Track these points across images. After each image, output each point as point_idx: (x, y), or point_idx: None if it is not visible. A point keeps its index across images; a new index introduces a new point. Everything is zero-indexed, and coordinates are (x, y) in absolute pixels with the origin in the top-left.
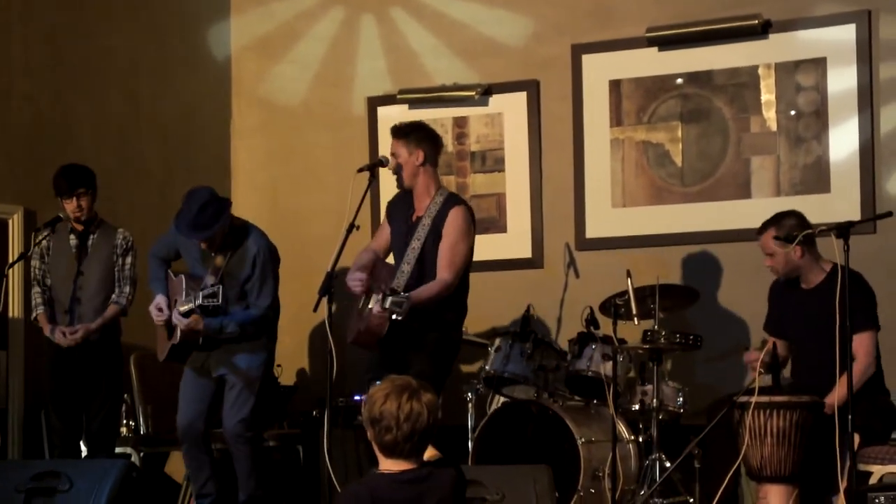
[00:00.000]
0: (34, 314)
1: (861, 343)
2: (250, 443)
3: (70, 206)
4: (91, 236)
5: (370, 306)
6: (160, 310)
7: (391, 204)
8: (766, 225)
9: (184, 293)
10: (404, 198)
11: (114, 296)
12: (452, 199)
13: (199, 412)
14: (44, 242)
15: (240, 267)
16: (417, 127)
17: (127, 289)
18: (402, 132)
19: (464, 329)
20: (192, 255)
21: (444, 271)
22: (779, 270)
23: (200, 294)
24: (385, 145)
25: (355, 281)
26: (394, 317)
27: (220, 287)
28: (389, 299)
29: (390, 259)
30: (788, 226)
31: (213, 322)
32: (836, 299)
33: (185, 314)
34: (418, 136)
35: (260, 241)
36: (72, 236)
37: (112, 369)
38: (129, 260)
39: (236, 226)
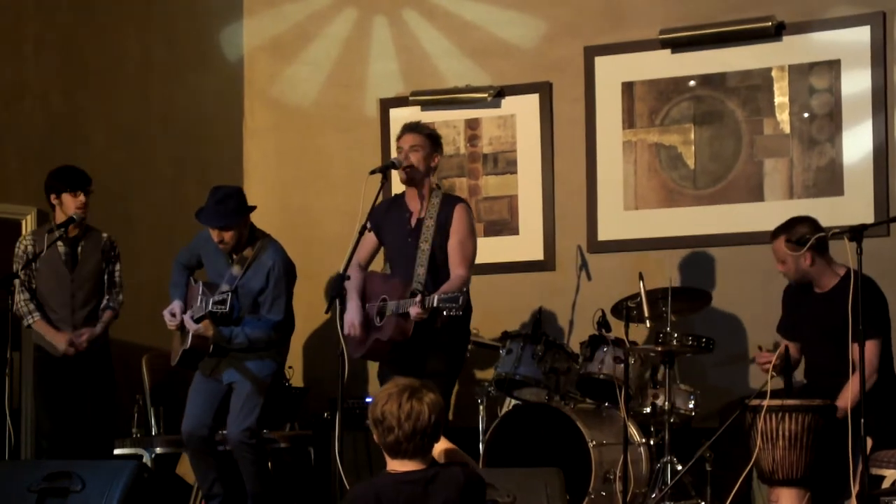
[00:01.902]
0: (29, 321)
1: (866, 350)
2: (254, 450)
3: (76, 201)
4: (81, 242)
5: (393, 312)
6: (173, 315)
7: (378, 213)
8: (779, 231)
9: (199, 299)
10: (392, 204)
11: (107, 301)
12: (452, 198)
13: (203, 418)
14: (30, 248)
15: (255, 279)
16: (438, 136)
17: (120, 295)
18: (430, 133)
19: (475, 331)
20: (213, 264)
21: (459, 268)
22: (790, 276)
23: (210, 300)
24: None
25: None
26: (446, 313)
27: (230, 295)
28: (436, 297)
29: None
30: (801, 232)
31: (223, 331)
32: (848, 304)
33: (197, 320)
34: (438, 143)
35: (277, 255)
36: (60, 243)
37: (106, 369)
38: (118, 266)
39: (257, 237)
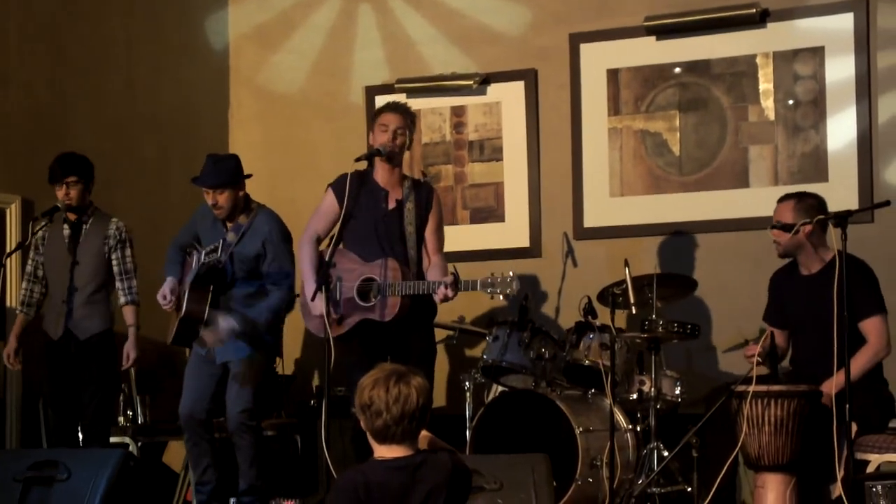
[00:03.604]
0: (18, 310)
1: (872, 326)
2: (252, 431)
3: (60, 192)
4: (84, 225)
5: (396, 292)
6: (164, 297)
7: (344, 185)
8: (790, 196)
9: (194, 259)
10: (360, 181)
11: (124, 296)
12: (426, 184)
13: (201, 400)
14: (40, 233)
15: (250, 244)
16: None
17: (133, 282)
18: (410, 114)
19: (462, 317)
20: (210, 235)
21: (438, 254)
22: (781, 243)
23: (203, 252)
24: None
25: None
26: (493, 297)
27: (221, 242)
28: (479, 282)
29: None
30: (808, 204)
31: (247, 313)
32: (842, 286)
33: (206, 321)
34: (414, 125)
35: (271, 221)
36: (65, 226)
37: (105, 359)
38: (127, 252)
39: (252, 207)
